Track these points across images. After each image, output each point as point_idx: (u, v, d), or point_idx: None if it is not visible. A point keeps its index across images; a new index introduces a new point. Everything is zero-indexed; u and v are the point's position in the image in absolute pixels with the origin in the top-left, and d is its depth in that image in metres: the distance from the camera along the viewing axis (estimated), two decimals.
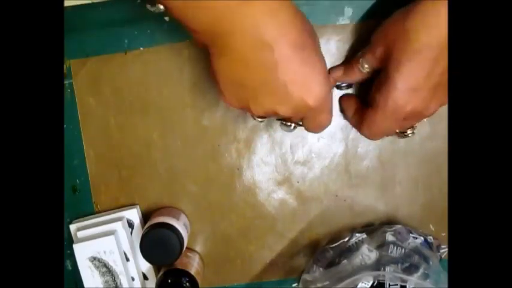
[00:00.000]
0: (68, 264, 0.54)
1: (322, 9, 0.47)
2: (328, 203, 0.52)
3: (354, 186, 0.51)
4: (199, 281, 0.49)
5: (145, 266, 0.53)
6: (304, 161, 0.51)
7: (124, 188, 0.52)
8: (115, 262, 0.50)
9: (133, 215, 0.51)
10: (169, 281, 0.49)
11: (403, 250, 0.45)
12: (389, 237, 0.46)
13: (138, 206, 0.52)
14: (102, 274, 0.51)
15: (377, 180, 0.51)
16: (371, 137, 0.43)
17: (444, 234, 0.53)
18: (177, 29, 0.48)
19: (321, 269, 0.48)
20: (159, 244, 0.47)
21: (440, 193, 0.51)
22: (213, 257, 0.53)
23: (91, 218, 0.52)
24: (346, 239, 0.49)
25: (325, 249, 0.50)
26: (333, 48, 0.48)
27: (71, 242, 0.51)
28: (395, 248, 0.46)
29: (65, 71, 0.49)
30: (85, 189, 0.52)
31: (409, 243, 0.46)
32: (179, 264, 0.49)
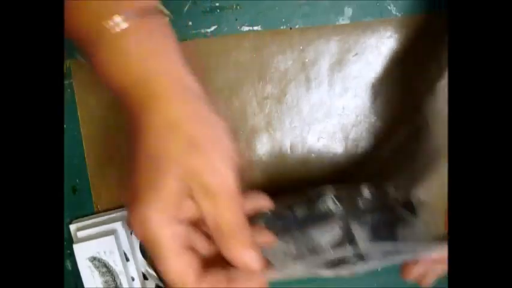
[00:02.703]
0: (68, 264, 0.54)
1: (322, 9, 0.47)
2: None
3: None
4: None
5: (145, 266, 0.53)
6: (304, 161, 0.51)
7: (124, 188, 0.52)
8: (115, 262, 0.50)
9: None
10: None
11: (377, 208, 0.40)
12: (365, 191, 0.42)
13: None
14: (102, 274, 0.51)
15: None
16: None
17: None
18: (176, 29, 0.48)
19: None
20: None
21: (440, 193, 0.51)
22: None
23: (91, 218, 0.51)
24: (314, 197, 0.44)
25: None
26: (333, 48, 0.48)
27: (71, 242, 0.51)
28: (368, 204, 0.41)
29: (65, 71, 0.49)
30: (85, 189, 0.52)
31: (386, 201, 0.41)
32: None
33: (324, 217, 0.40)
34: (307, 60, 0.49)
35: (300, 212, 0.41)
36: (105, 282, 0.51)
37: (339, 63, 0.49)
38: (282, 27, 0.48)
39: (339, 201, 0.40)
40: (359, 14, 0.47)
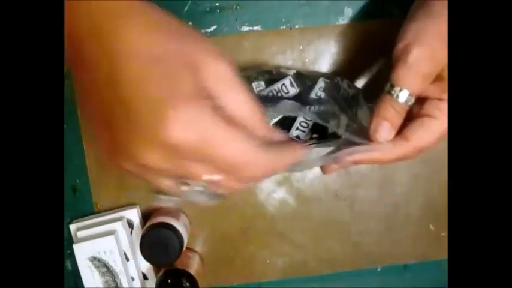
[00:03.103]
0: (68, 264, 0.54)
1: (322, 9, 0.47)
2: (328, 202, 0.52)
3: (354, 186, 0.51)
4: (199, 281, 0.49)
5: (145, 266, 0.53)
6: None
7: (124, 188, 0.52)
8: (115, 262, 0.50)
9: (133, 215, 0.51)
10: (169, 281, 0.49)
11: (330, 97, 0.43)
12: (320, 82, 0.43)
13: (138, 206, 0.52)
14: (102, 274, 0.51)
15: (377, 179, 0.51)
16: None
17: (444, 234, 0.53)
18: None
19: None
20: (159, 244, 0.47)
21: (440, 192, 0.51)
22: (213, 257, 0.53)
23: (91, 218, 0.51)
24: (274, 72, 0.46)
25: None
26: (333, 48, 0.48)
27: (71, 242, 0.51)
28: (321, 92, 0.43)
29: (65, 71, 0.49)
30: (85, 189, 0.52)
31: (336, 93, 0.43)
32: (179, 264, 0.49)
33: (278, 97, 0.43)
34: (307, 60, 0.49)
35: (259, 89, 0.44)
36: (105, 282, 0.51)
37: (338, 63, 0.49)
38: (282, 27, 0.48)
39: (296, 84, 0.43)
40: (359, 14, 0.47)
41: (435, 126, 0.35)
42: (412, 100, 0.35)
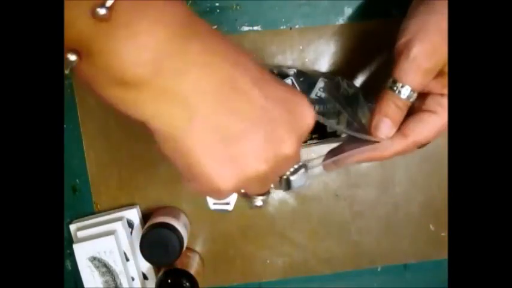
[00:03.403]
0: (68, 264, 0.54)
1: (322, 9, 0.47)
2: (328, 202, 0.52)
3: (354, 186, 0.51)
4: (199, 281, 0.49)
5: (145, 266, 0.53)
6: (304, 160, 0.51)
7: (124, 188, 0.52)
8: (115, 262, 0.50)
9: (133, 215, 0.51)
10: (169, 281, 0.49)
11: (331, 96, 0.43)
12: (320, 82, 0.43)
13: (138, 206, 0.52)
14: (102, 274, 0.51)
15: (377, 179, 0.51)
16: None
17: (444, 234, 0.53)
18: None
19: None
20: (159, 244, 0.47)
21: (440, 192, 0.51)
22: (212, 257, 0.53)
23: (91, 218, 0.51)
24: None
25: None
26: (333, 48, 0.48)
27: (71, 242, 0.51)
28: (322, 92, 0.43)
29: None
30: (85, 189, 0.52)
31: (336, 93, 0.44)
32: (179, 264, 0.49)
33: None
34: (307, 60, 0.49)
35: None
36: (105, 282, 0.51)
37: (338, 63, 0.49)
38: (282, 27, 0.48)
39: (297, 84, 0.43)
40: (359, 14, 0.48)
41: (434, 122, 0.35)
42: (414, 96, 0.35)
